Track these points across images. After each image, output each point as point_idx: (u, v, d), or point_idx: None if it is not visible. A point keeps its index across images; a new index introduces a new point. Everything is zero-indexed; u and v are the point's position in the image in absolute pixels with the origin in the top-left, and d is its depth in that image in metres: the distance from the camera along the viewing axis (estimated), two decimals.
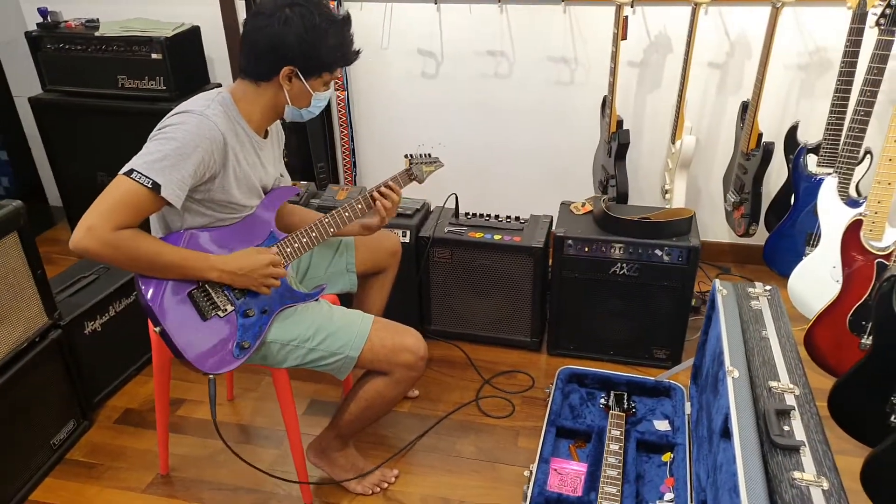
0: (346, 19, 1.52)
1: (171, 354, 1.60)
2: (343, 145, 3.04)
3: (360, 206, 1.71)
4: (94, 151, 2.86)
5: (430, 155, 1.89)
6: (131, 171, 1.37)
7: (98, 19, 2.83)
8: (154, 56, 2.66)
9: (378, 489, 1.86)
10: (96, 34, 2.69)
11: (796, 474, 1.27)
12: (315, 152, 2.96)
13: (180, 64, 2.72)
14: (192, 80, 2.82)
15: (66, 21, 2.80)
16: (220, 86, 2.98)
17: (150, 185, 1.36)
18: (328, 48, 1.48)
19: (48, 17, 2.75)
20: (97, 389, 2.17)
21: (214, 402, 1.53)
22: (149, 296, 1.43)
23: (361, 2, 2.77)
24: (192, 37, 2.80)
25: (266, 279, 1.53)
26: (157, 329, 1.43)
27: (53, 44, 2.72)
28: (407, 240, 2.27)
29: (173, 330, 1.43)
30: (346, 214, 1.69)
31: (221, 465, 1.96)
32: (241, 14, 2.87)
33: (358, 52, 1.56)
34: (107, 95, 2.76)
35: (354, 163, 3.08)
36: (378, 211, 1.74)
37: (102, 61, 2.71)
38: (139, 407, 2.19)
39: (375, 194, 1.72)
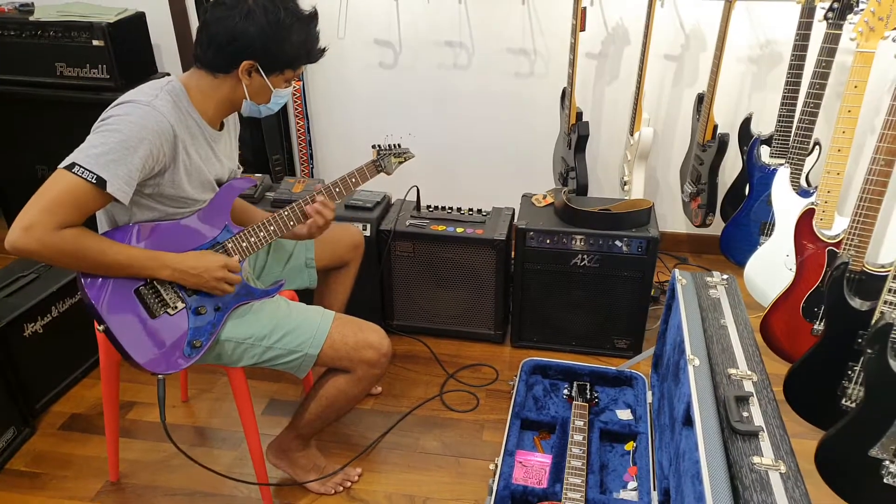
0: (313, 16, 1.46)
1: (119, 356, 1.53)
2: (299, 137, 2.97)
3: (321, 197, 1.65)
4: (32, 144, 2.73)
5: (398, 146, 1.84)
6: (73, 164, 1.29)
7: (33, 3, 2.69)
8: (95, 43, 2.54)
9: (341, 488, 1.82)
10: (31, 19, 2.55)
11: (756, 459, 1.29)
12: (270, 144, 2.88)
13: (124, 51, 2.60)
14: (138, 68, 2.71)
15: None
16: (168, 74, 2.88)
17: (94, 181, 1.28)
18: (292, 45, 1.42)
19: None
20: (39, 395, 2.06)
21: (164, 404, 1.46)
22: (91, 293, 1.35)
23: None
24: (136, 23, 2.68)
25: (219, 282, 1.46)
26: (102, 328, 1.35)
27: None
28: (368, 233, 2.23)
29: (119, 329, 1.36)
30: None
31: (175, 470, 1.89)
32: (190, 0, 2.76)
33: (323, 51, 1.51)
34: (44, 84, 2.63)
35: (311, 155, 3.01)
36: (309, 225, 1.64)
37: (38, 48, 2.57)
38: (86, 412, 2.09)
39: (308, 208, 1.61)
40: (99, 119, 1.37)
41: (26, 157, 2.74)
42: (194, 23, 2.80)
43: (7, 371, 1.87)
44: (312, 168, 3.06)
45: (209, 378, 2.22)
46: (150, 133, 1.33)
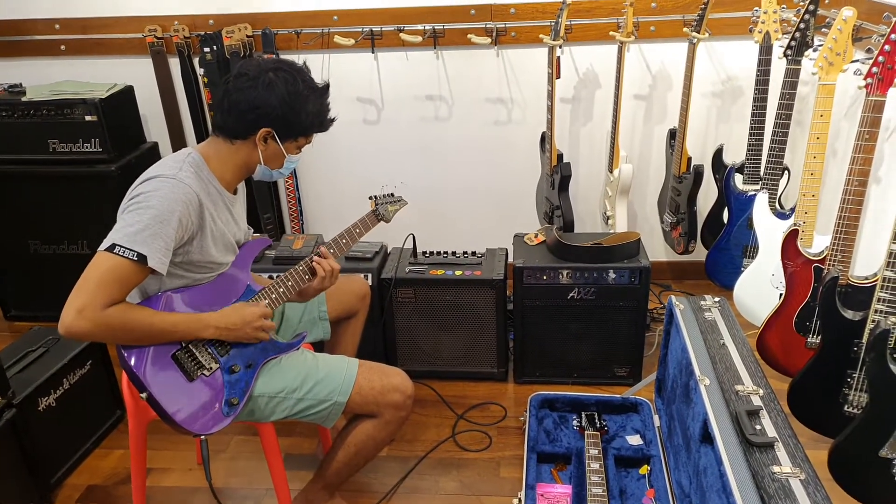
0: (326, 88, 1.57)
1: (148, 421, 1.55)
2: (288, 195, 3.04)
3: (332, 250, 1.72)
4: (24, 220, 2.74)
5: (392, 195, 1.95)
6: (113, 245, 1.35)
7: (21, 83, 2.74)
8: (88, 118, 2.60)
9: None
10: (23, 99, 2.60)
11: (775, 468, 1.37)
12: (260, 203, 2.94)
13: (116, 124, 2.67)
14: (129, 139, 2.78)
15: None
16: (156, 144, 2.94)
17: (135, 258, 1.34)
18: (307, 114, 1.52)
19: None
20: (55, 469, 2.04)
21: (208, 464, 1.49)
22: (132, 362, 1.38)
23: (298, 53, 2.81)
24: (126, 96, 2.76)
25: (257, 331, 1.52)
26: (144, 395, 1.38)
27: None
28: (369, 282, 2.29)
29: (161, 394, 1.39)
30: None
31: None
32: (176, 72, 2.84)
33: (333, 120, 1.61)
34: (36, 161, 2.66)
35: (301, 211, 3.08)
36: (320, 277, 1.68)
37: (31, 126, 2.62)
38: (102, 482, 2.07)
39: (314, 262, 1.67)
40: (127, 198, 1.43)
41: (18, 232, 2.76)
42: (181, 94, 2.88)
43: (26, 447, 1.85)
44: (302, 224, 3.12)
45: (222, 439, 2.21)
46: (179, 204, 1.40)
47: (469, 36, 2.65)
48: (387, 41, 2.74)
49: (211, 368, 1.47)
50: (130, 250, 1.34)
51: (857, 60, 1.87)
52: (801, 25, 2.06)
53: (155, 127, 2.98)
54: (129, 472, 2.06)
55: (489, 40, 2.65)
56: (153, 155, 2.90)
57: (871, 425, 1.47)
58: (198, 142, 2.94)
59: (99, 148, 2.63)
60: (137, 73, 2.85)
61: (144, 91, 2.86)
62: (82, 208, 2.70)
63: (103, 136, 2.61)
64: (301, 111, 1.50)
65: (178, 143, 2.93)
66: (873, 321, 1.55)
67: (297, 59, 2.75)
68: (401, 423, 1.70)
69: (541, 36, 2.54)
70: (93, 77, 2.85)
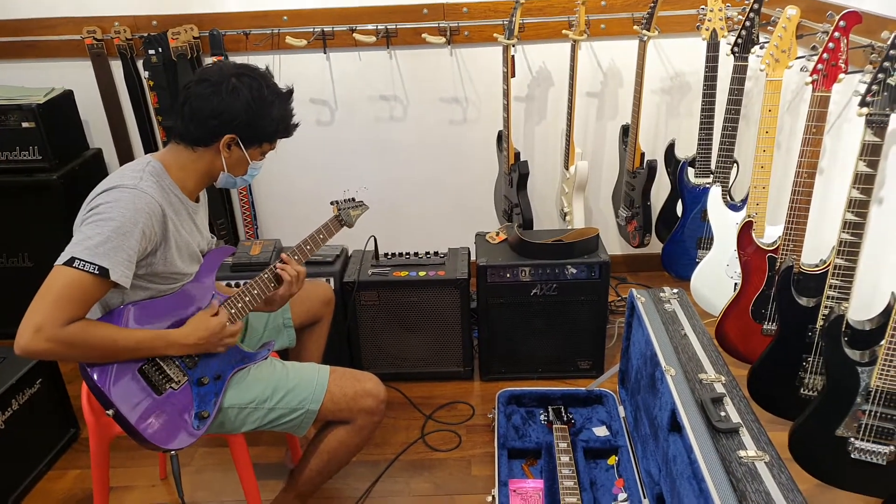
0: (290, 93, 1.54)
1: (111, 438, 1.49)
2: (241, 200, 2.97)
3: (296, 256, 1.69)
4: None
5: (354, 199, 1.93)
6: (72, 259, 1.28)
7: None
8: (25, 124, 2.48)
9: None
10: None
11: (741, 453, 1.42)
12: (213, 208, 2.86)
13: (56, 131, 2.55)
14: (70, 146, 2.67)
15: None
16: (100, 151, 2.83)
17: (96, 272, 1.28)
18: (272, 120, 1.48)
19: None
20: (6, 495, 1.93)
21: (180, 480, 1.44)
22: (96, 378, 1.32)
23: (248, 54, 2.75)
24: (66, 101, 2.64)
25: (223, 341, 1.49)
26: (110, 412, 1.32)
27: None
28: (332, 286, 2.26)
29: (128, 411, 1.34)
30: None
31: None
32: (119, 75, 2.73)
33: (297, 125, 1.57)
34: None
35: (254, 215, 3.01)
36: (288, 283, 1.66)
37: None
38: None
39: (278, 269, 1.64)
40: (85, 209, 1.37)
41: None
42: (124, 97, 2.77)
43: None
44: (256, 229, 3.05)
45: (186, 451, 2.12)
46: (142, 215, 1.35)
47: (424, 35, 2.64)
48: (339, 41, 2.70)
49: (179, 381, 1.43)
50: (91, 263, 1.28)
51: (801, 57, 1.95)
52: (747, 23, 2.13)
53: (98, 132, 2.87)
54: (86, 493, 1.99)
55: (444, 39, 2.65)
56: (97, 162, 2.79)
57: (827, 406, 1.54)
58: (144, 146, 2.84)
59: (38, 156, 2.51)
60: (76, 77, 2.73)
61: (85, 95, 2.75)
62: (22, 219, 2.57)
63: (42, 144, 2.49)
64: (266, 117, 1.47)
65: (123, 148, 2.82)
66: (826, 307, 1.63)
67: (246, 60, 2.73)
68: (374, 428, 1.68)
69: (495, 35, 2.56)
70: (27, 81, 2.71)
